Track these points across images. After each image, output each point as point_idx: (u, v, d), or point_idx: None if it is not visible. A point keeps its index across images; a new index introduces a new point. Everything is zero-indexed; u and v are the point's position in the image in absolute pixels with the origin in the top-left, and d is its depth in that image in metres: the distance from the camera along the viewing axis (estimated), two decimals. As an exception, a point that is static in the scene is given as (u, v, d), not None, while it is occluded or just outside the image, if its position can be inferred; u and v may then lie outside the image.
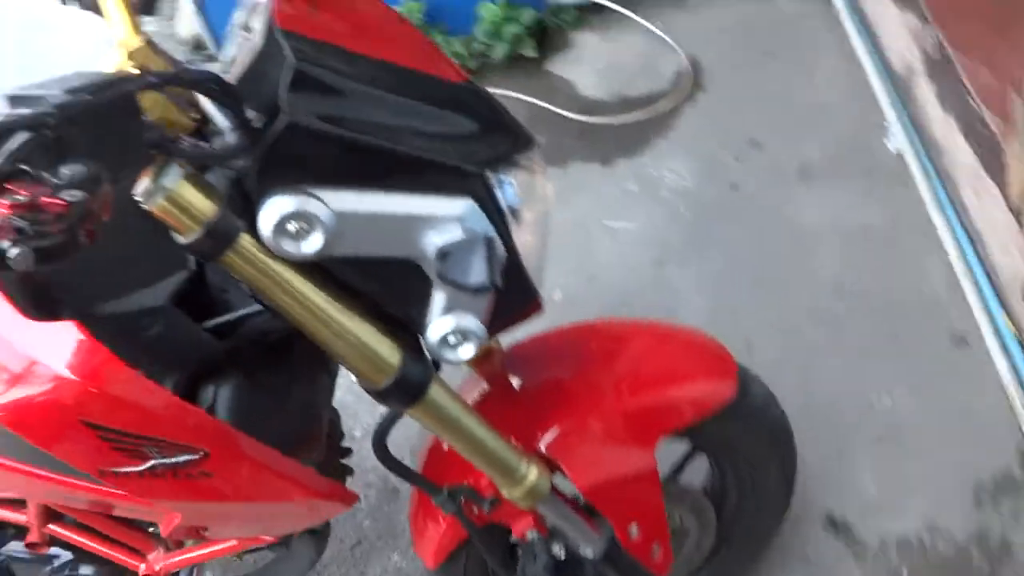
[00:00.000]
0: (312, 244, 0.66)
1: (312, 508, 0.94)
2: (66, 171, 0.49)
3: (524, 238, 0.83)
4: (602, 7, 2.39)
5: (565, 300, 1.78)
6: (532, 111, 2.21)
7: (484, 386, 1.07)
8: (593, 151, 2.11)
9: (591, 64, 2.34)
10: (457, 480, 0.98)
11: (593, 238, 1.94)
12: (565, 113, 2.20)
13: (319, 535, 1.26)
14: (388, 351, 0.76)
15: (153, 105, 0.69)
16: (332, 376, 1.08)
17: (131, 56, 0.75)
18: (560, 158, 2.11)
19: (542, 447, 0.98)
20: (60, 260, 0.48)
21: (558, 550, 1.07)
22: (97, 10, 0.86)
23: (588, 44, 2.38)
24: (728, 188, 1.99)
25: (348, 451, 1.25)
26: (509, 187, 0.81)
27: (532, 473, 0.92)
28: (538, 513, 1.00)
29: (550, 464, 0.98)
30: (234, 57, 0.72)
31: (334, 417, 1.17)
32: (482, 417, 0.88)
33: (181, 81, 0.63)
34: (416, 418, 0.84)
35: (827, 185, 1.96)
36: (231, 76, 0.71)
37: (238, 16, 0.78)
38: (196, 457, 0.75)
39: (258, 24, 0.71)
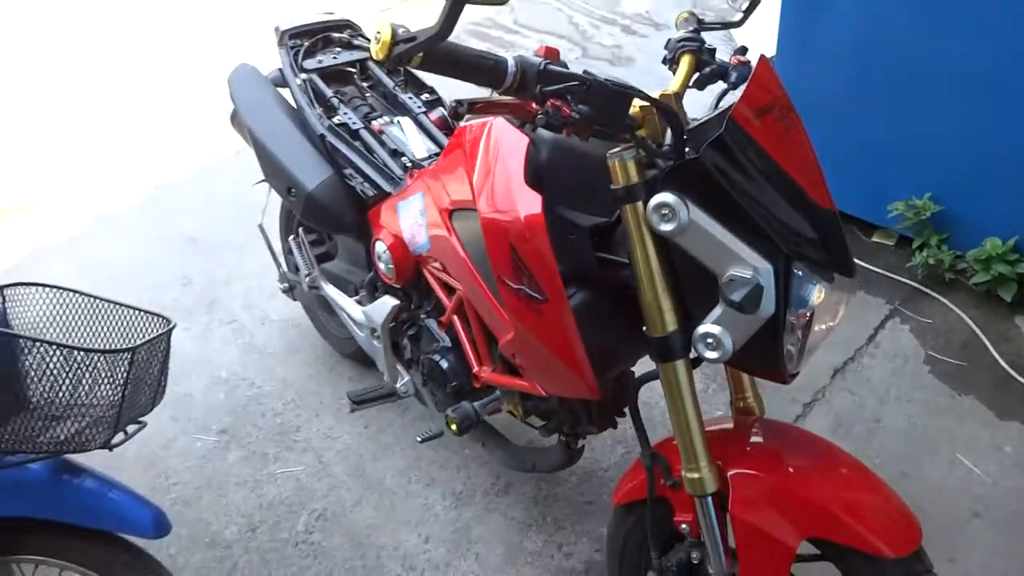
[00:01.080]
0: (666, 226, 1.12)
1: (579, 392, 1.39)
2: (579, 106, 1.03)
3: (810, 328, 1.19)
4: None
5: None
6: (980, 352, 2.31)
7: (731, 424, 1.42)
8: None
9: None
10: (668, 456, 1.35)
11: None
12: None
13: (572, 453, 1.73)
14: (670, 319, 1.19)
15: (647, 117, 1.21)
16: (633, 361, 1.53)
17: (663, 95, 1.28)
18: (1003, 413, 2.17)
19: (729, 471, 1.29)
20: (557, 131, 1.02)
21: (695, 556, 1.37)
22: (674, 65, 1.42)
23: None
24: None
25: (614, 424, 1.67)
26: (811, 288, 1.17)
27: (706, 471, 1.25)
28: (697, 515, 1.31)
29: (725, 486, 1.29)
30: (704, 116, 1.21)
31: (630, 400, 1.55)
32: (699, 410, 1.24)
33: (658, 104, 1.13)
34: (661, 378, 1.25)
35: None
36: (689, 120, 1.20)
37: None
38: (541, 298, 1.27)
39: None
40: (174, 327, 1.60)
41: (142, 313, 1.66)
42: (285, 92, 2.13)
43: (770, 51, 2.68)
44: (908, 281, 2.51)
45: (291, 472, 2.24)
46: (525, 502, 2.05)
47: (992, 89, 2.21)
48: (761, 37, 2.77)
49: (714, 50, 1.45)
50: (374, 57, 0.94)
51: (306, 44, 2.15)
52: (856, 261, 2.58)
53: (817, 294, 1.17)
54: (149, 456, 2.34)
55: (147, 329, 1.63)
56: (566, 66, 1.06)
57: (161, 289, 2.96)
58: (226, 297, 2.92)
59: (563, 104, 1.02)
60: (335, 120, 1.97)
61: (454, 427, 1.61)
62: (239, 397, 2.51)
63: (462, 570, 1.91)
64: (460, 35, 4.23)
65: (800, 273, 1.15)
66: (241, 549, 2.05)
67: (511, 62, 1.01)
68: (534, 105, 1.04)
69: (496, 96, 1.04)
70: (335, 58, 2.13)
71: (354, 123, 1.96)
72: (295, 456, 2.29)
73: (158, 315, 1.65)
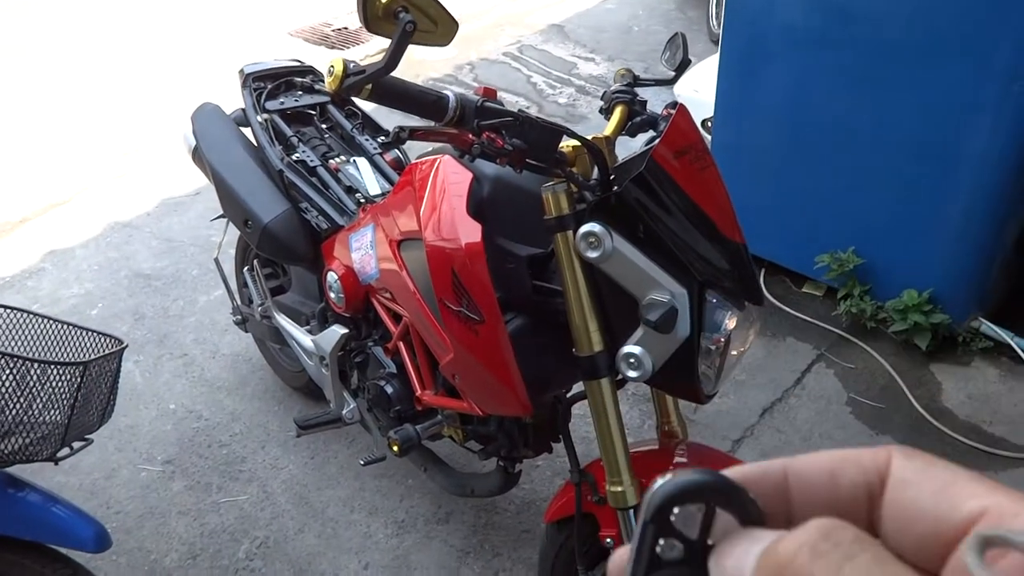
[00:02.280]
0: (593, 253, 1.23)
1: (513, 409, 1.47)
2: (512, 140, 1.14)
3: (726, 352, 1.30)
4: (1017, 356, 2.50)
5: None
6: (886, 384, 2.46)
7: (656, 445, 1.52)
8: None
9: (969, 389, 2.46)
10: (595, 474, 1.44)
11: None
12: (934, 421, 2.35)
13: (509, 477, 1.80)
14: (596, 340, 1.29)
15: (579, 156, 1.33)
16: (567, 386, 1.63)
17: (595, 139, 1.40)
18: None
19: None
20: (491, 160, 1.13)
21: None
22: (610, 114, 1.56)
23: (982, 374, 2.50)
24: None
25: (548, 448, 1.76)
26: (724, 314, 1.28)
27: (628, 485, 1.34)
28: (620, 528, 1.40)
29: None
30: (629, 155, 1.34)
31: (561, 421, 1.65)
32: (623, 427, 1.34)
33: (585, 142, 1.26)
34: (588, 395, 1.34)
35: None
36: (618, 160, 1.33)
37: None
38: (478, 319, 1.37)
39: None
40: (126, 347, 1.66)
41: (94, 334, 1.71)
42: (247, 131, 2.23)
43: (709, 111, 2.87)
44: (833, 329, 2.66)
45: (235, 501, 2.26)
46: (465, 530, 2.10)
47: (906, 149, 2.40)
48: (703, 97, 2.96)
49: (645, 102, 1.59)
50: (327, 88, 1.04)
51: (268, 87, 2.25)
52: (785, 309, 2.75)
53: (729, 320, 1.29)
54: (91, 486, 2.35)
55: (99, 350, 1.69)
56: (502, 104, 1.18)
57: (112, 323, 2.99)
58: (178, 332, 2.96)
59: (497, 137, 1.14)
60: (294, 157, 2.06)
61: (396, 448, 1.68)
62: (186, 428, 2.53)
63: (400, 596, 1.96)
64: (420, 89, 4.39)
65: (714, 300, 1.26)
66: (180, 576, 2.06)
67: (452, 98, 1.12)
68: (471, 136, 1.15)
69: (437, 127, 1.15)
70: (296, 100, 2.24)
71: (312, 160, 2.06)
72: (239, 486, 2.31)
73: (110, 336, 1.71)
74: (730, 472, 0.29)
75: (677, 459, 1.47)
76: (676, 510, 0.27)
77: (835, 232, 2.67)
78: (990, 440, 2.25)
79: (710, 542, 0.27)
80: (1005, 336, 2.49)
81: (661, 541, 0.27)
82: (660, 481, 0.27)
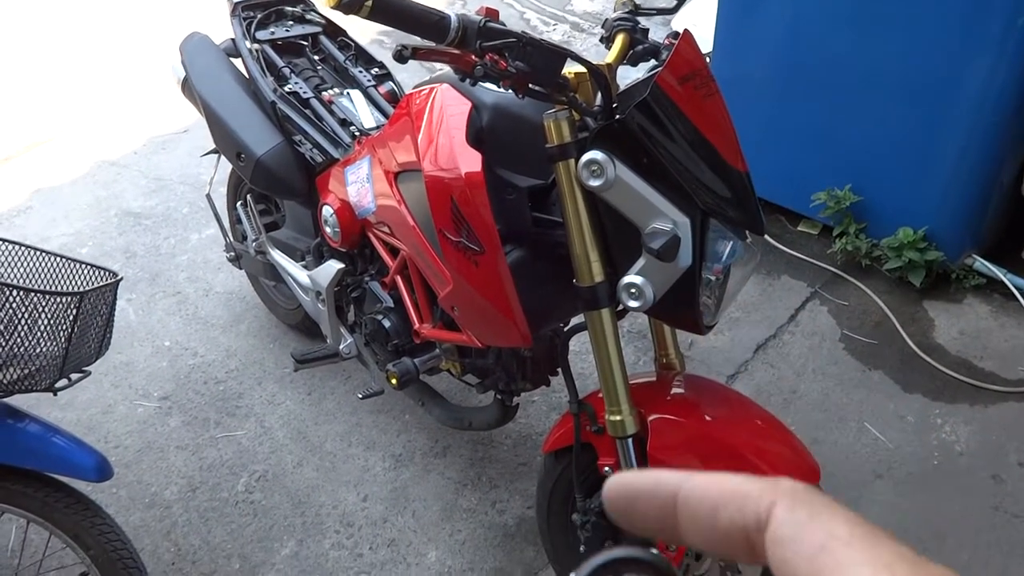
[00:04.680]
0: (595, 182, 1.21)
1: (513, 341, 1.47)
2: (515, 63, 1.12)
3: (726, 283, 1.30)
4: (1009, 293, 2.51)
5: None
6: (882, 320, 2.48)
7: (654, 377, 1.53)
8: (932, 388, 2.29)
9: (961, 325, 2.47)
10: (594, 405, 1.45)
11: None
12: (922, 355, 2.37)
13: (507, 410, 1.81)
14: (597, 270, 1.29)
15: (581, 83, 1.31)
16: (566, 318, 1.63)
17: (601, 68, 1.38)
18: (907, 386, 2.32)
19: (650, 417, 1.40)
20: (494, 82, 1.11)
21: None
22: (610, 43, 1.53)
23: (974, 311, 2.52)
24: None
25: (546, 382, 1.77)
26: (726, 244, 1.28)
27: (627, 414, 1.35)
28: (619, 457, 1.41)
29: (645, 431, 1.39)
30: (632, 82, 1.31)
31: (560, 353, 1.65)
32: (622, 357, 1.35)
33: (589, 67, 1.23)
34: (588, 325, 1.34)
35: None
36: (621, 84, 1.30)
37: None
38: (478, 249, 1.36)
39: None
40: (121, 279, 1.64)
41: (89, 267, 1.69)
42: (236, 62, 2.18)
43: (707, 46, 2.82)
44: (828, 267, 2.67)
45: (232, 436, 2.28)
46: (462, 463, 2.13)
47: (904, 87, 2.37)
48: (700, 31, 2.90)
49: (647, 30, 1.55)
50: (325, 6, 1.01)
51: (259, 16, 2.19)
52: (781, 247, 2.75)
53: (730, 251, 1.28)
54: (88, 421, 2.36)
55: (94, 282, 1.67)
56: (504, 25, 1.15)
57: (102, 262, 2.93)
58: (170, 270, 2.94)
59: (500, 59, 1.11)
60: (286, 89, 2.02)
61: (394, 381, 1.69)
62: (182, 365, 2.53)
63: (399, 526, 1.98)
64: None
65: (715, 229, 1.25)
66: (181, 508, 2.08)
67: (454, 18, 1.09)
68: (473, 57, 1.12)
69: (439, 47, 1.12)
70: (287, 31, 2.19)
71: (305, 92, 2.01)
72: (237, 421, 2.33)
73: (105, 269, 1.69)
74: (623, 477, 0.32)
75: (674, 390, 1.48)
76: None
77: (832, 170, 2.65)
78: (980, 375, 2.28)
79: None
80: (998, 273, 2.50)
81: None
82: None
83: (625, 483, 0.32)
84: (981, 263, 2.54)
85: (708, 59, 2.87)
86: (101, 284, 1.54)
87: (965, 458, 2.06)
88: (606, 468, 1.46)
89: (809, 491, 0.28)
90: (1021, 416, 2.16)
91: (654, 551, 0.30)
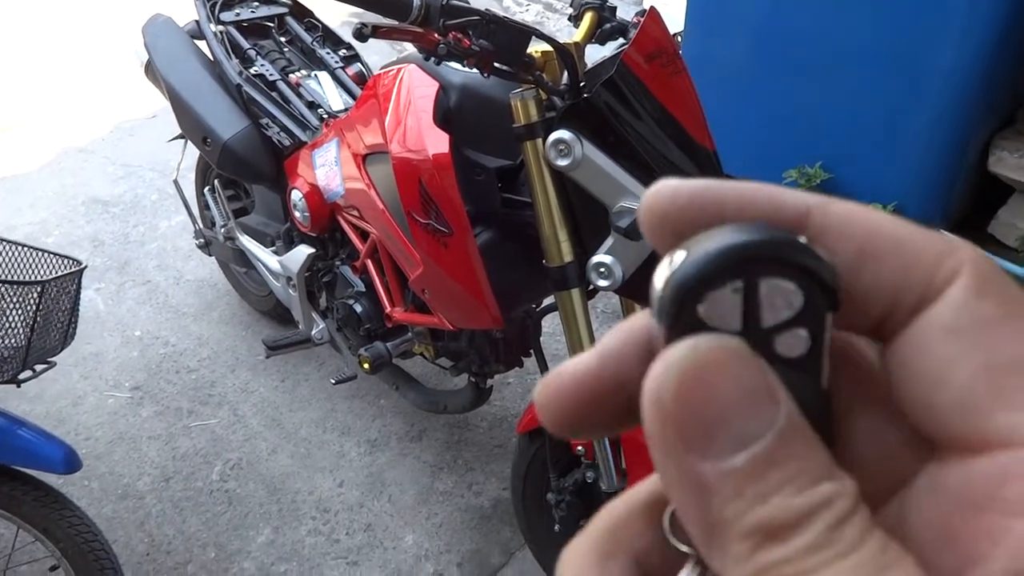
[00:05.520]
0: (563, 161, 1.20)
1: (484, 323, 1.47)
2: (480, 41, 1.10)
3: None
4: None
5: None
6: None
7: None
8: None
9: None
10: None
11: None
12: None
13: (481, 392, 1.81)
14: (566, 250, 1.28)
15: (548, 61, 1.29)
16: (537, 299, 1.62)
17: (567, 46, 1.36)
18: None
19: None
20: (458, 61, 1.09)
21: (590, 476, 1.47)
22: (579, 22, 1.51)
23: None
24: None
25: (520, 363, 1.76)
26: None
27: (598, 394, 1.35)
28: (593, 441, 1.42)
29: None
30: (599, 60, 1.30)
31: (532, 334, 1.66)
32: (593, 338, 1.34)
33: (555, 45, 1.22)
34: (558, 306, 1.34)
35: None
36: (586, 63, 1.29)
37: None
38: (447, 231, 1.35)
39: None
40: (85, 268, 1.62)
41: (52, 256, 1.66)
42: (201, 44, 2.14)
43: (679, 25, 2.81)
44: (801, 245, 2.68)
45: (206, 425, 2.26)
46: (437, 447, 2.12)
47: (874, 65, 2.38)
48: (671, 11, 2.90)
49: (615, 9, 1.54)
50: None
51: (222, -3, 2.16)
52: (754, 226, 2.76)
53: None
54: (58, 413, 2.32)
55: (57, 271, 1.64)
56: (468, 3, 1.13)
57: (70, 250, 2.89)
58: (139, 258, 2.90)
59: (464, 37, 1.09)
60: (252, 71, 1.99)
61: (367, 365, 1.67)
62: (152, 355, 2.50)
63: (375, 510, 1.98)
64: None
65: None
66: (154, 499, 2.06)
67: None
68: (436, 36, 1.11)
69: (401, 26, 1.10)
70: (253, 12, 2.15)
71: (271, 74, 1.98)
72: (210, 410, 2.30)
73: (69, 257, 1.66)
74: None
75: (647, 369, 1.48)
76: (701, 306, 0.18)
77: (803, 147, 2.66)
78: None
79: (768, 324, 0.18)
80: (966, 248, 2.53)
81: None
82: (665, 266, 0.19)
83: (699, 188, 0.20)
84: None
85: (679, 38, 2.86)
86: (64, 273, 1.51)
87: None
88: (579, 448, 1.46)
89: (1002, 275, 0.19)
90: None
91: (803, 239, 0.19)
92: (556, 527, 1.56)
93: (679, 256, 0.19)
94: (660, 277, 0.19)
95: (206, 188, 2.29)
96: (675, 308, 0.18)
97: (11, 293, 1.40)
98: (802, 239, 0.19)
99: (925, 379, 0.18)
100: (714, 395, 0.17)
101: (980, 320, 0.17)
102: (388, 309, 1.68)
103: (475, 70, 1.19)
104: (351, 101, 1.95)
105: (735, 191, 0.20)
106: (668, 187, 0.20)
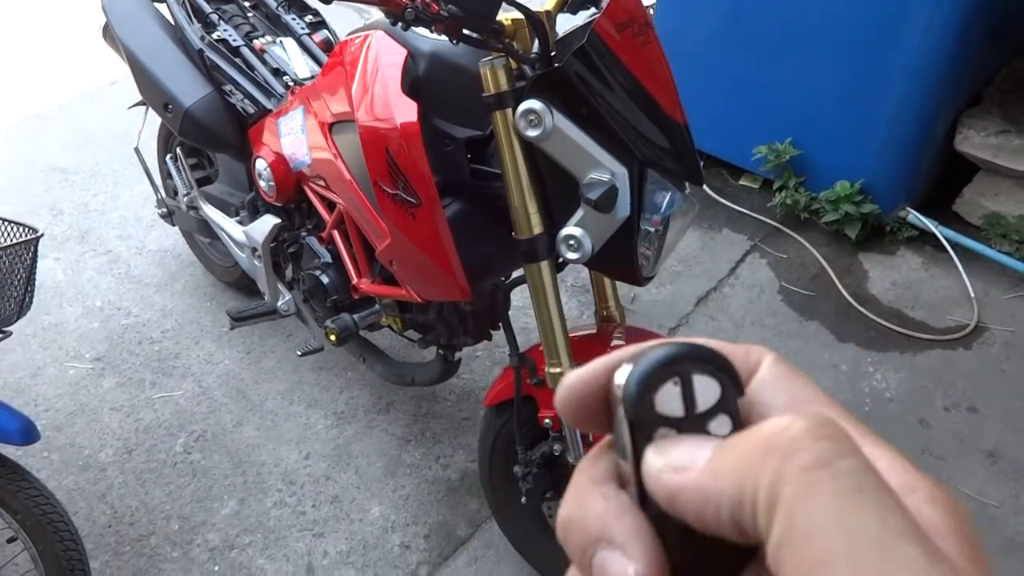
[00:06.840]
0: (533, 132, 1.19)
1: (452, 294, 1.46)
2: (448, 6, 1.08)
3: (664, 234, 1.29)
4: (940, 244, 2.57)
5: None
6: (819, 273, 2.53)
7: (594, 329, 1.53)
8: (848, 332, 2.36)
9: (894, 277, 2.54)
10: (535, 358, 1.45)
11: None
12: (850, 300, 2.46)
13: (449, 365, 1.80)
14: (536, 222, 1.27)
15: (518, 30, 1.27)
16: (506, 272, 1.62)
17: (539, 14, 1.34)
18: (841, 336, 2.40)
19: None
20: (426, 26, 1.07)
21: (557, 448, 1.48)
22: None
23: (906, 262, 2.58)
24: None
25: (488, 336, 1.76)
26: (664, 195, 1.27)
27: (567, 367, 1.35)
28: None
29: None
30: (570, 29, 1.28)
31: (501, 307, 1.65)
32: (562, 310, 1.34)
33: (526, 11, 1.20)
34: (527, 278, 1.33)
35: None
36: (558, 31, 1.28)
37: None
38: (415, 202, 1.33)
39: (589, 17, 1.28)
40: (41, 235, 1.57)
41: (6, 223, 1.62)
42: (161, 8, 2.08)
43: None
44: (768, 220, 2.70)
45: (169, 397, 2.23)
46: (405, 419, 2.12)
47: (843, 43, 2.39)
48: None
49: (587, -24, 1.52)
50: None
51: (184, -41, 2.09)
52: (722, 201, 2.78)
53: (669, 201, 1.28)
54: (16, 384, 2.28)
55: (12, 239, 1.60)
56: (437, -33, 1.11)
57: (27, 219, 2.79)
58: (100, 227, 2.83)
59: (432, 2, 1.07)
60: (214, 36, 1.94)
61: (333, 337, 1.66)
62: (114, 326, 2.46)
63: (342, 483, 1.97)
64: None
65: (653, 180, 1.25)
66: (116, 471, 2.04)
67: None
68: (403, 0, 1.09)
69: (368, -11, 1.08)
70: (215, -25, 2.09)
71: (234, 40, 1.93)
72: (174, 382, 2.27)
73: (24, 225, 1.62)
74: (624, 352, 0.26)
75: (615, 342, 1.48)
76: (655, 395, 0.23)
77: (773, 123, 2.67)
78: (911, 324, 2.35)
79: (702, 410, 0.23)
80: (930, 225, 2.56)
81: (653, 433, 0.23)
82: (623, 372, 0.24)
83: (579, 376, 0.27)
84: (914, 215, 2.60)
85: (652, 11, 2.84)
86: (18, 241, 1.47)
87: (895, 404, 2.13)
88: (546, 420, 1.46)
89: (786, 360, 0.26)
90: (947, 363, 2.23)
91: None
92: (522, 499, 1.57)
93: (625, 369, 0.24)
94: (621, 376, 0.24)
95: (168, 156, 2.24)
96: (635, 407, 0.23)
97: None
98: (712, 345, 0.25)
99: (758, 416, 0.25)
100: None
101: (782, 376, 0.25)
102: (355, 280, 1.66)
103: (444, 37, 1.17)
104: (317, 68, 1.91)
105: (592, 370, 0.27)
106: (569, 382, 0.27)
